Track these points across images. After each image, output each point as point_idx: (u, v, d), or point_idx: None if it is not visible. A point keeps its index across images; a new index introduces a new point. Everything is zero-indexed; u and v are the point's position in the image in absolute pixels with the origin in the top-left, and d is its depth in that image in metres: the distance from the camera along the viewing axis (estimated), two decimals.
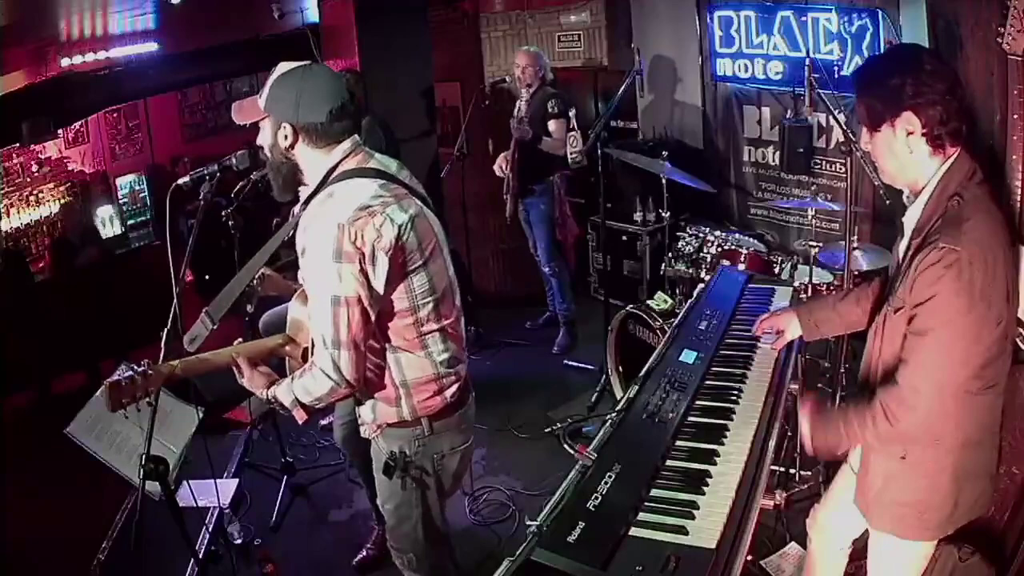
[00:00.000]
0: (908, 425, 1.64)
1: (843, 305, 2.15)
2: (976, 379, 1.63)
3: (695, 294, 2.92)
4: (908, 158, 1.64)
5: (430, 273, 1.89)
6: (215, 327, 1.92)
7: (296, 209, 1.96)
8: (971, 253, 1.51)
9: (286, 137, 1.83)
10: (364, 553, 3.11)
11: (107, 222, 6.89)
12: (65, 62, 5.63)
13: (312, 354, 1.92)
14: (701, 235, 4.06)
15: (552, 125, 4.41)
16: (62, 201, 6.63)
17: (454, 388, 2.00)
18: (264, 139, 1.90)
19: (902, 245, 1.78)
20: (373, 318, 1.83)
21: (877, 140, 1.67)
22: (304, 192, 1.94)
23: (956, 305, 1.53)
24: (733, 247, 3.88)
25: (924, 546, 1.85)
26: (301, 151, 1.86)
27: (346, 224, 1.73)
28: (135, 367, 1.82)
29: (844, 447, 1.90)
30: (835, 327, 2.23)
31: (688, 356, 2.28)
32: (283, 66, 1.84)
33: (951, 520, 1.79)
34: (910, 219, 1.71)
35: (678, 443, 1.89)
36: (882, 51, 1.77)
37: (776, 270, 3.77)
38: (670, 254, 4.13)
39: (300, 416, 1.93)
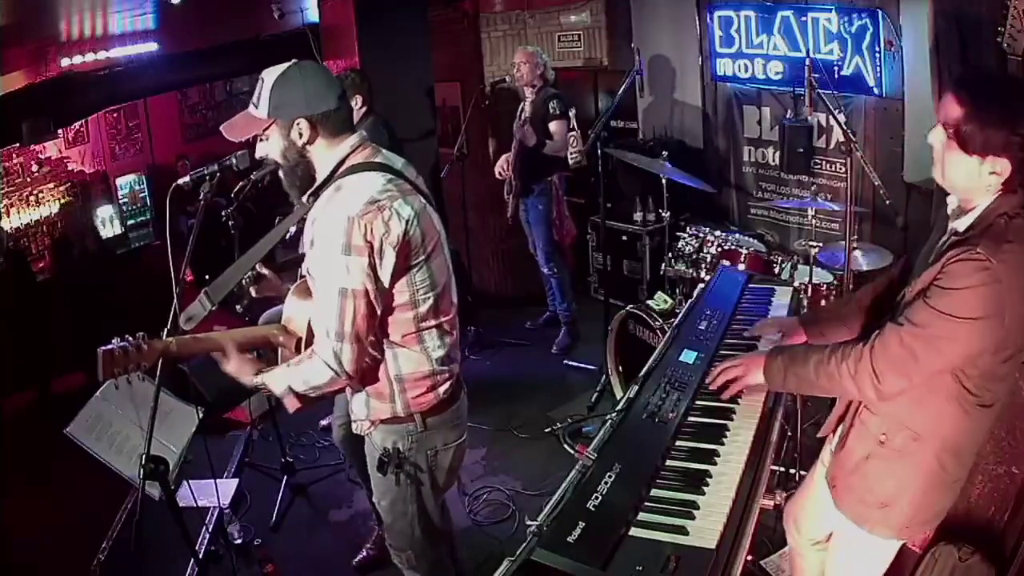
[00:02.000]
0: (890, 389, 1.63)
1: (847, 310, 2.14)
2: (973, 391, 1.63)
3: (695, 294, 2.92)
4: (978, 187, 1.60)
5: (431, 269, 1.91)
6: (214, 308, 1.92)
7: (304, 200, 1.95)
8: (1003, 271, 1.50)
9: (301, 134, 1.83)
10: (364, 553, 3.11)
11: (107, 222, 6.89)
12: (65, 62, 5.63)
13: (305, 345, 1.93)
14: (701, 235, 4.06)
15: (553, 126, 4.41)
16: (62, 201, 6.63)
17: (447, 385, 2.01)
18: (271, 147, 1.89)
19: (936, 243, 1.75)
20: (379, 311, 1.85)
21: (958, 158, 1.60)
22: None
23: (974, 308, 1.52)
24: (733, 247, 3.88)
25: (881, 544, 1.85)
26: (317, 145, 1.87)
27: (356, 217, 1.75)
28: (130, 338, 1.82)
29: (798, 387, 1.88)
30: (841, 333, 2.22)
31: (688, 356, 2.28)
32: (272, 71, 1.84)
33: (909, 525, 1.80)
34: (957, 224, 1.67)
35: (678, 443, 1.89)
36: (1003, 82, 1.67)
37: (776, 270, 3.76)
38: (670, 254, 4.13)
39: (291, 404, 1.92)
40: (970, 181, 1.60)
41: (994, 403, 1.68)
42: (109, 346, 1.79)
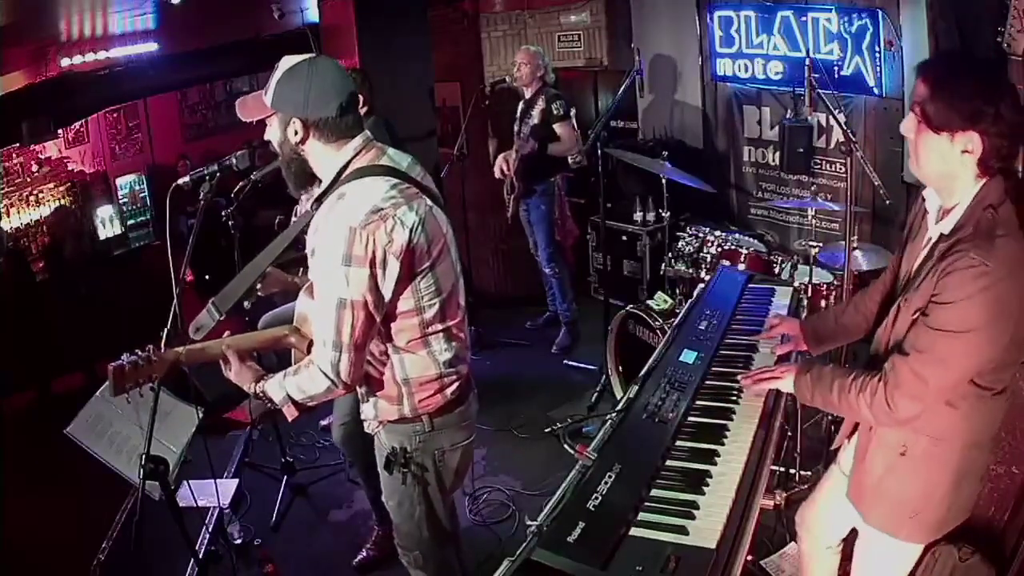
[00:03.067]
0: (907, 415, 1.63)
1: (845, 317, 2.14)
2: (986, 385, 1.63)
3: (695, 294, 2.92)
4: (953, 170, 1.58)
5: (437, 274, 1.88)
6: (221, 318, 1.91)
7: (307, 207, 1.95)
8: (1002, 269, 1.48)
9: (296, 133, 1.80)
10: (364, 553, 3.10)
11: (107, 222, 6.89)
12: (65, 62, 5.63)
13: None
14: (701, 235, 4.06)
15: (559, 128, 4.41)
16: (61, 201, 6.64)
17: (455, 386, 2.00)
18: (272, 135, 1.87)
19: (923, 247, 1.73)
20: (378, 320, 1.83)
21: (929, 139, 1.58)
22: (315, 190, 1.92)
23: (979, 316, 1.50)
24: (733, 247, 3.88)
25: (913, 548, 1.85)
26: (312, 147, 1.83)
27: (358, 228, 1.71)
28: (139, 352, 1.81)
29: (824, 406, 1.91)
30: (840, 339, 2.21)
31: (688, 356, 2.28)
32: (287, 60, 1.81)
33: (944, 523, 1.79)
34: (941, 226, 1.65)
35: (678, 443, 1.89)
36: (969, 59, 1.65)
37: (776, 270, 3.77)
38: (670, 254, 4.13)
39: (290, 413, 1.92)
40: (944, 164, 1.57)
41: (1005, 388, 1.67)
42: (119, 362, 1.78)
